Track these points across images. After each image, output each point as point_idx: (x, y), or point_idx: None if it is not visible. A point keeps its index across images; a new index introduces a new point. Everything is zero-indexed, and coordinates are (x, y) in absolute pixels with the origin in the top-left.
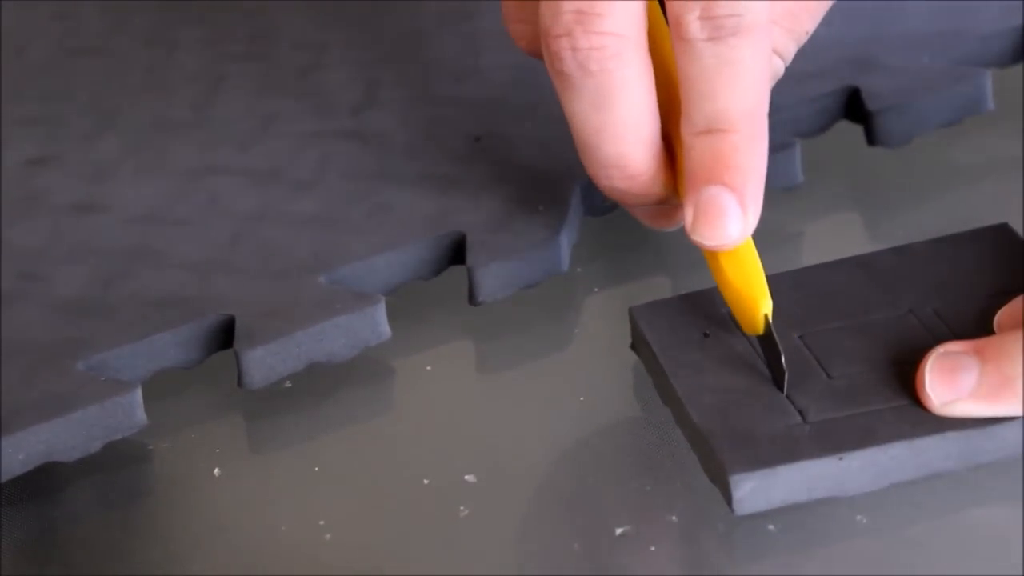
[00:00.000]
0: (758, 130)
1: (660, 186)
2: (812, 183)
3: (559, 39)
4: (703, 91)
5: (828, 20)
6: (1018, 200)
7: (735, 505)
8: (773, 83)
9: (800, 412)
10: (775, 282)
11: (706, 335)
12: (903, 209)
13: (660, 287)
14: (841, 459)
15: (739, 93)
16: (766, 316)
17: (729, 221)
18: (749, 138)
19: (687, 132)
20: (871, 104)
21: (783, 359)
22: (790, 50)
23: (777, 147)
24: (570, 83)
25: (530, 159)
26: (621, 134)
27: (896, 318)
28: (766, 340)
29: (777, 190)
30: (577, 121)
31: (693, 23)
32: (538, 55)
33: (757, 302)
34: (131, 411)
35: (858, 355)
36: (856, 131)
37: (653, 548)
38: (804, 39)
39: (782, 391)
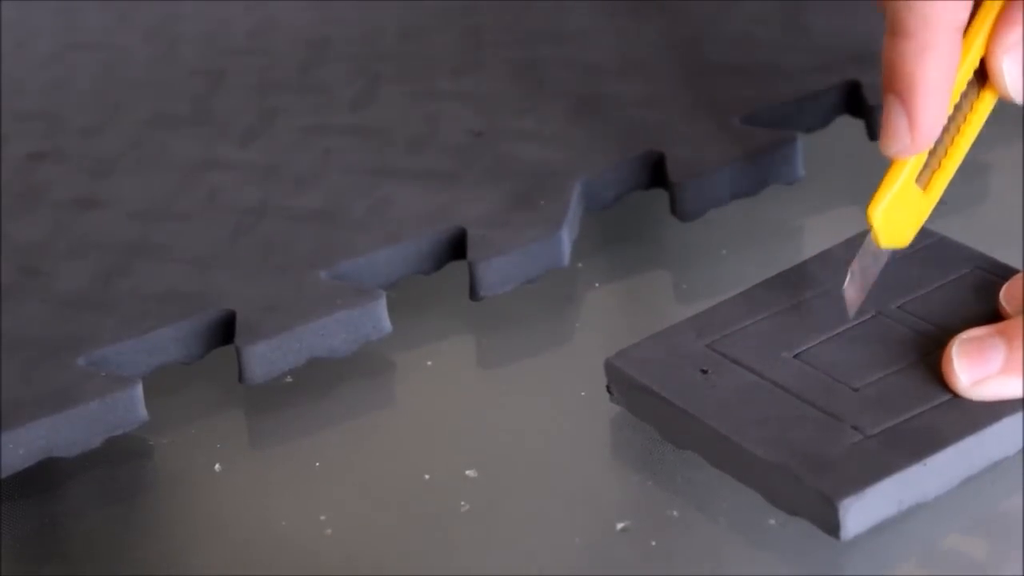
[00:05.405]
0: (937, 40)
1: None
2: (813, 178)
3: None
4: None
5: (829, 15)
6: (1018, 195)
7: (843, 532)
8: None
9: (855, 428)
10: (730, 306)
11: (704, 372)
12: None
13: (660, 282)
14: (925, 464)
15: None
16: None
17: (897, 133)
18: (923, 47)
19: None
20: (872, 99)
21: (858, 257)
22: None
23: (778, 142)
24: None
25: (531, 154)
26: None
27: (870, 321)
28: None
29: (778, 185)
30: None
31: None
32: None
33: (869, 209)
34: (132, 407)
35: (865, 363)
36: (857, 126)
37: (654, 543)
38: None
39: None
